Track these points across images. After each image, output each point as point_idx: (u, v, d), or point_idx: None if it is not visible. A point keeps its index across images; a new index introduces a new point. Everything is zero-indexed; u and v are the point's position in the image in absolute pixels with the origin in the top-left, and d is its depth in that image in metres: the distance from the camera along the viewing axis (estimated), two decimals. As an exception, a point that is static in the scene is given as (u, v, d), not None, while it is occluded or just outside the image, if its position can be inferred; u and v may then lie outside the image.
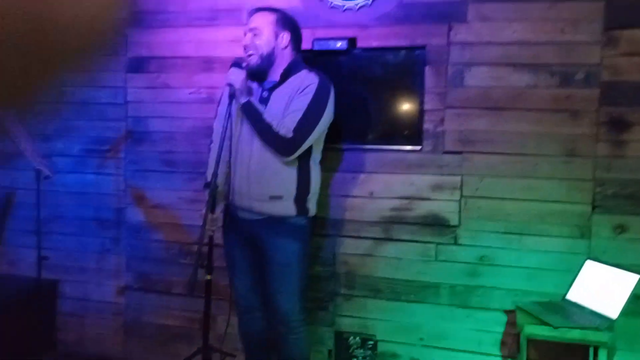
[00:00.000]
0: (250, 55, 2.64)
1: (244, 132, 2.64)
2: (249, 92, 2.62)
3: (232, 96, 2.55)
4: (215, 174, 2.50)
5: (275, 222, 2.66)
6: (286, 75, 2.65)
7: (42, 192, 3.20)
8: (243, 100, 2.56)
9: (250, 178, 2.62)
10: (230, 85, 2.54)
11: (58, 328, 3.81)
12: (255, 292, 2.83)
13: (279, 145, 2.55)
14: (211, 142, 2.80)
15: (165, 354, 3.56)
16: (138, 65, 3.56)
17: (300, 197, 2.67)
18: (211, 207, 2.54)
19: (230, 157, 2.58)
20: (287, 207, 2.64)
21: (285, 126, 2.52)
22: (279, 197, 2.62)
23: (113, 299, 3.71)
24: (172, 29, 3.48)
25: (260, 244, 2.70)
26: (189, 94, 3.46)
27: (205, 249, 2.71)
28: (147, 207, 3.61)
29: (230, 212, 2.75)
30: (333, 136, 3.15)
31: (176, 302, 3.57)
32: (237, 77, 2.54)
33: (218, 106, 2.83)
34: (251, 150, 2.61)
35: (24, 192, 3.79)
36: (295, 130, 2.52)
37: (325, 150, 3.16)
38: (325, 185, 3.22)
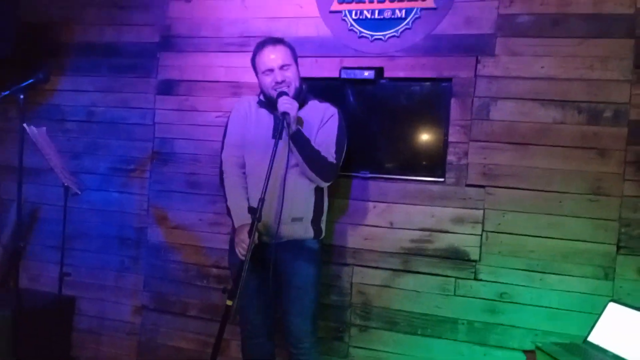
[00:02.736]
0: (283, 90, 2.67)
1: (277, 159, 2.59)
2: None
3: (286, 125, 2.55)
4: (262, 200, 2.44)
5: (294, 246, 2.71)
6: (301, 104, 2.73)
7: (67, 209, 3.24)
8: (294, 128, 2.59)
9: (284, 205, 2.62)
10: (286, 114, 2.54)
11: (73, 345, 3.82)
12: (261, 317, 2.84)
13: (328, 170, 2.69)
14: (222, 172, 2.79)
15: (177, 377, 3.53)
16: (168, 88, 3.63)
17: (316, 218, 2.78)
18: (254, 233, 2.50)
19: (266, 183, 2.49)
20: (306, 229, 2.74)
21: (329, 153, 2.67)
22: (300, 219, 2.70)
23: (129, 319, 3.72)
24: (203, 54, 3.55)
25: (277, 267, 2.69)
26: (216, 117, 3.50)
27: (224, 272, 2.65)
28: (168, 228, 3.63)
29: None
30: (355, 165, 3.17)
31: (191, 325, 3.56)
32: (292, 105, 2.58)
33: (224, 138, 2.83)
34: (289, 178, 2.64)
35: (48, 208, 3.86)
36: (336, 156, 2.70)
37: (346, 178, 3.17)
38: (345, 213, 3.22)
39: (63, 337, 3.75)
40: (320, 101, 2.81)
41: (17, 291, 2.94)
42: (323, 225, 2.84)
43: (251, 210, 2.48)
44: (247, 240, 2.46)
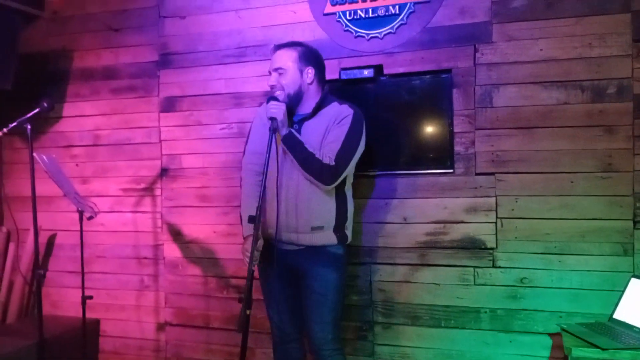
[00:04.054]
0: (277, 95, 2.67)
1: (287, 165, 2.64)
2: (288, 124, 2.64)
3: (274, 129, 2.56)
4: (260, 208, 2.47)
5: (316, 251, 2.68)
6: (318, 108, 2.70)
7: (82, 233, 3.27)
8: (285, 132, 2.58)
9: (296, 212, 2.63)
10: (273, 118, 2.54)
11: (100, 367, 3.85)
12: (291, 323, 2.84)
13: (323, 173, 2.58)
14: (241, 178, 2.82)
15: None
16: (171, 105, 3.66)
17: (339, 225, 2.71)
18: (256, 241, 2.53)
19: (262, 191, 2.55)
20: (328, 236, 2.69)
21: (327, 155, 2.58)
22: (320, 228, 2.66)
23: (153, 336, 3.74)
24: (202, 68, 3.57)
25: (300, 273, 2.70)
26: (220, 129, 3.52)
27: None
28: (184, 243, 3.65)
29: (268, 245, 2.74)
30: (364, 163, 3.16)
31: (215, 337, 3.58)
32: (279, 109, 2.56)
33: (246, 144, 2.85)
34: (298, 184, 2.63)
35: (64, 233, 3.89)
36: (337, 158, 2.58)
37: (356, 177, 3.17)
38: (358, 212, 3.21)
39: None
40: (341, 102, 2.72)
41: (40, 321, 2.95)
42: (348, 232, 2.78)
43: (251, 219, 2.49)
44: (253, 250, 2.49)
